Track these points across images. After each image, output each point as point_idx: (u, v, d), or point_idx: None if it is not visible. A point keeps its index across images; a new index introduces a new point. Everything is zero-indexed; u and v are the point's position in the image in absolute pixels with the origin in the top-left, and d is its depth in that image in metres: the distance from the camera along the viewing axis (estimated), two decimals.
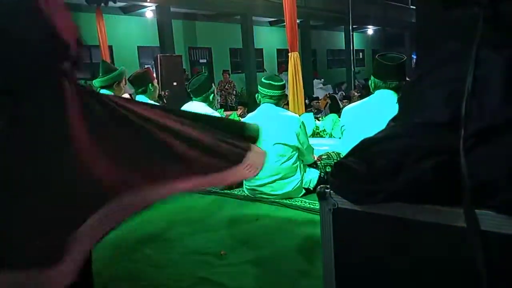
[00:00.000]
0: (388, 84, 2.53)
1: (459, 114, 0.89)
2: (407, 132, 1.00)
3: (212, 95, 3.54)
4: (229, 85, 12.02)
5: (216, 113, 3.51)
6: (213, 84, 3.74)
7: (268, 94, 3.08)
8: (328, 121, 4.92)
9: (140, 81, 3.82)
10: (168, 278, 1.93)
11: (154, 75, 3.94)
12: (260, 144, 1.60)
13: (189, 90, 3.53)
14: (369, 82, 2.72)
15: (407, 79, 2.55)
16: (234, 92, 12.14)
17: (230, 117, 5.49)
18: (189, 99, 3.68)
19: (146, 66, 11.57)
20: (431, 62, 1.03)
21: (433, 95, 0.97)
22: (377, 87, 2.59)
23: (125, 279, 1.99)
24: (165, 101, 6.45)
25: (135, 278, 1.98)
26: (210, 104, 3.53)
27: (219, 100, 11.07)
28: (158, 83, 4.45)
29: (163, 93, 7.75)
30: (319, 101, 9.20)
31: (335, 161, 3.17)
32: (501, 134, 0.88)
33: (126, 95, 4.04)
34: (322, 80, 15.35)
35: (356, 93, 10.38)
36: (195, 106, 3.41)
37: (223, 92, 11.75)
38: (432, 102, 0.97)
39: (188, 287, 1.86)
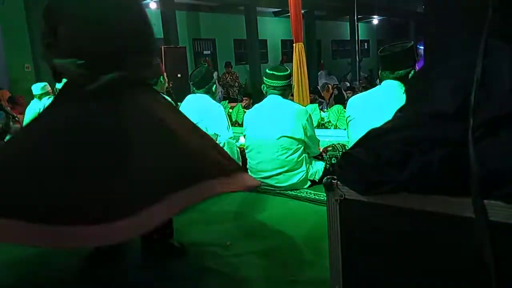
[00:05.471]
0: (395, 74, 2.51)
1: (467, 104, 0.89)
2: (414, 123, 0.99)
3: (215, 85, 3.53)
4: (231, 77, 11.87)
5: (219, 105, 3.49)
6: (214, 75, 3.71)
7: (272, 84, 3.06)
8: (333, 112, 4.89)
9: None
10: (173, 268, 1.95)
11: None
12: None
13: (191, 82, 3.50)
14: (379, 72, 2.68)
15: (416, 66, 2.52)
16: (236, 84, 12.00)
17: (234, 109, 5.46)
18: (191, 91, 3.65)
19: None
20: (439, 52, 1.02)
21: (441, 85, 0.97)
22: (384, 79, 2.57)
23: (129, 268, 2.01)
24: (172, 94, 6.43)
25: (140, 268, 2.00)
26: (213, 96, 3.52)
27: (222, 92, 10.95)
28: None
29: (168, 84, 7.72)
30: (324, 93, 9.16)
31: (340, 152, 3.16)
32: (509, 124, 0.87)
33: None
34: (327, 71, 15.24)
35: (360, 85, 10.34)
36: (198, 98, 3.40)
37: (225, 84, 11.63)
38: (440, 92, 0.96)
39: (194, 278, 1.88)
